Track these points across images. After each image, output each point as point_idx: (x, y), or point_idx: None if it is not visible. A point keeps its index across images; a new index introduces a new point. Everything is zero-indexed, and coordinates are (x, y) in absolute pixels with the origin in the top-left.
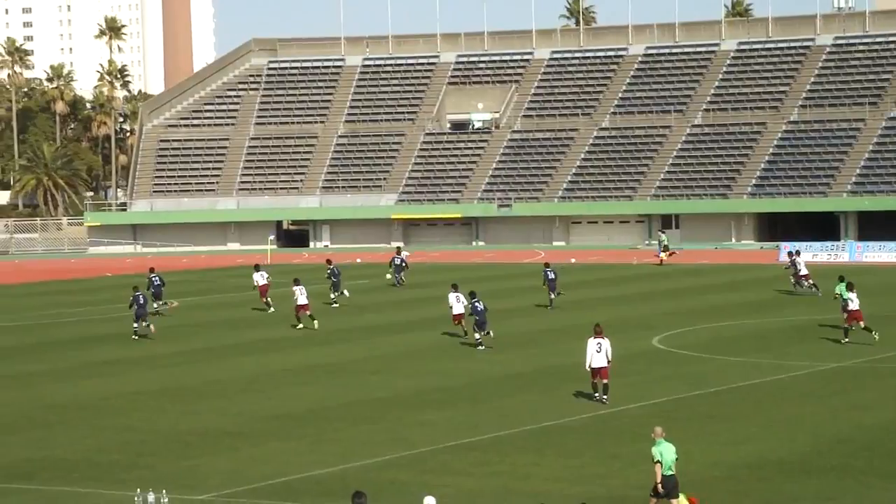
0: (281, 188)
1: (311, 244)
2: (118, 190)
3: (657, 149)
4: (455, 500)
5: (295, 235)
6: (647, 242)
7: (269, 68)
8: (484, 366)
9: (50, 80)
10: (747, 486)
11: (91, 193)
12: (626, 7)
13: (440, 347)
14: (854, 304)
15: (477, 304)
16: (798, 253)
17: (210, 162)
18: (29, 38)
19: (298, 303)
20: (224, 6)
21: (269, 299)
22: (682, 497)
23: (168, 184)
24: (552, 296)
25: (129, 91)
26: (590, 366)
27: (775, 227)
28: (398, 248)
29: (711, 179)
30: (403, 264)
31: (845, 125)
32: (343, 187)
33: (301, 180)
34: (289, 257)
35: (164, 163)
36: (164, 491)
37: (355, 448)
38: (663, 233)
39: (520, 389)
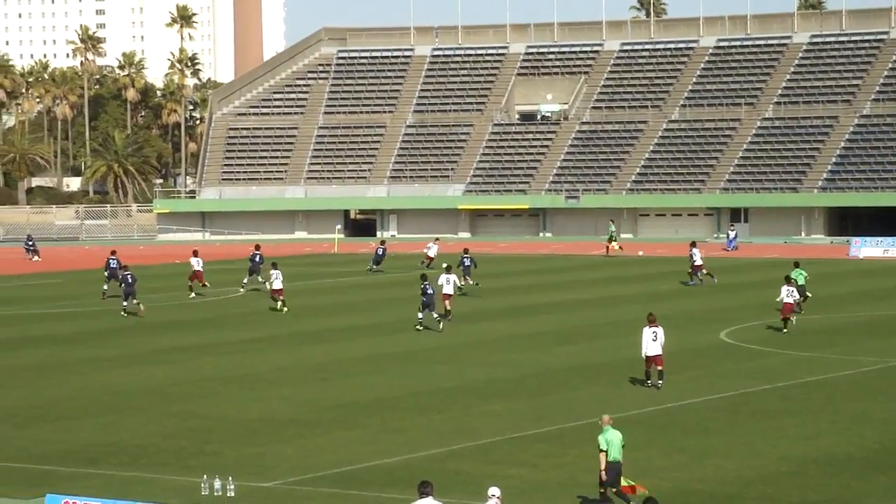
0: (349, 177)
1: (379, 234)
2: (187, 177)
3: (727, 142)
4: (520, 492)
5: (362, 225)
6: (715, 236)
7: (339, 57)
8: (551, 357)
9: (121, 67)
10: (815, 481)
11: (160, 181)
12: None
13: (509, 338)
14: (789, 298)
15: (427, 287)
16: (694, 244)
17: (279, 150)
18: (101, 26)
19: (274, 287)
20: None
21: (205, 283)
22: (624, 480)
23: (237, 172)
24: (471, 282)
25: (199, 79)
26: (645, 354)
27: (846, 221)
28: (382, 240)
29: (781, 173)
30: (384, 254)
31: None
32: (411, 177)
33: (369, 170)
34: (356, 247)
35: (234, 151)
36: (230, 478)
37: (421, 437)
38: (613, 222)
39: (586, 381)
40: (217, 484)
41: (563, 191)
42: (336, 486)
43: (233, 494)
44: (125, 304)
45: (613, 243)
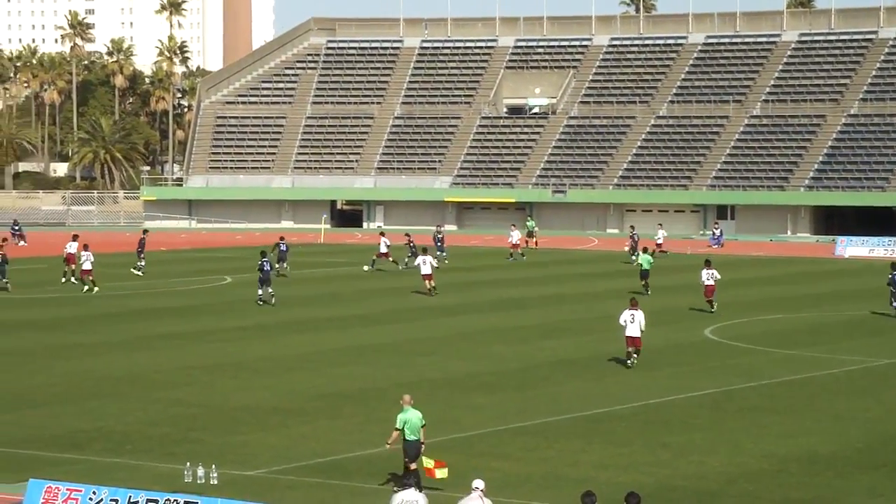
0: (336, 168)
1: (365, 224)
2: (174, 165)
3: (714, 139)
4: (503, 484)
5: (348, 215)
6: (701, 233)
7: (328, 48)
8: (536, 351)
9: (110, 53)
10: (798, 479)
11: (147, 168)
12: None
13: (494, 331)
14: (709, 280)
15: (264, 263)
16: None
17: (266, 140)
18: (90, 12)
19: (84, 267)
20: None
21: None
22: (425, 460)
23: (224, 160)
24: (285, 266)
25: (187, 67)
26: (625, 334)
27: (832, 220)
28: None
29: (768, 171)
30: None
31: None
32: (398, 169)
33: (356, 160)
34: (341, 237)
35: (221, 139)
36: (213, 465)
37: None
38: (531, 218)
39: (570, 376)
40: (200, 471)
41: (549, 185)
42: (319, 476)
43: (216, 482)
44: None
45: (532, 239)
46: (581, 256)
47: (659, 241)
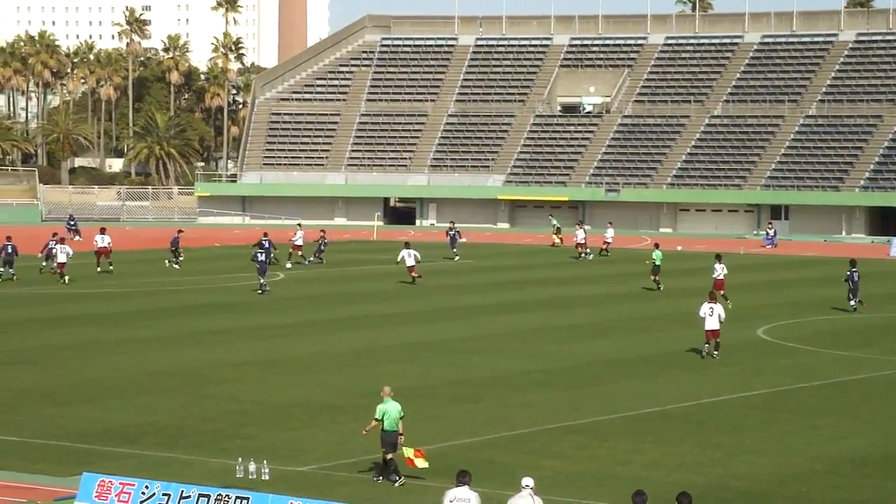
0: (389, 165)
1: (418, 222)
2: (229, 161)
3: (769, 138)
4: (553, 483)
5: (401, 213)
6: (755, 233)
7: (382, 45)
8: (587, 350)
9: (166, 50)
10: (850, 481)
11: (202, 164)
12: None
13: (544, 329)
14: (719, 275)
15: (259, 254)
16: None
17: (320, 136)
18: (147, 9)
19: (58, 261)
20: None
21: (110, 261)
22: (406, 450)
23: (278, 157)
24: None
25: (242, 63)
26: (704, 327)
27: (887, 221)
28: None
29: (823, 171)
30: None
31: None
32: (451, 166)
33: (410, 158)
34: (394, 234)
35: (275, 136)
36: (265, 461)
37: (456, 426)
38: (553, 216)
39: (622, 375)
40: (252, 467)
41: (603, 184)
42: (370, 473)
43: (268, 478)
44: (2, 270)
45: (555, 236)
46: (632, 255)
47: (608, 240)
